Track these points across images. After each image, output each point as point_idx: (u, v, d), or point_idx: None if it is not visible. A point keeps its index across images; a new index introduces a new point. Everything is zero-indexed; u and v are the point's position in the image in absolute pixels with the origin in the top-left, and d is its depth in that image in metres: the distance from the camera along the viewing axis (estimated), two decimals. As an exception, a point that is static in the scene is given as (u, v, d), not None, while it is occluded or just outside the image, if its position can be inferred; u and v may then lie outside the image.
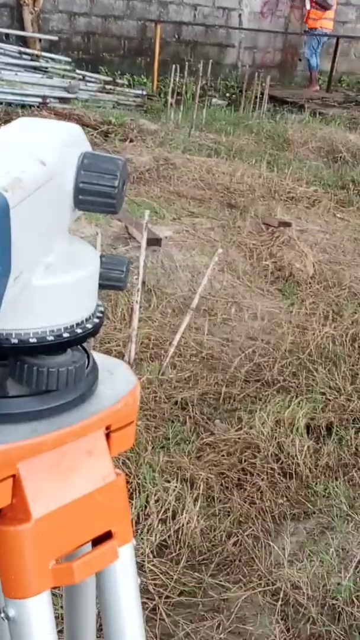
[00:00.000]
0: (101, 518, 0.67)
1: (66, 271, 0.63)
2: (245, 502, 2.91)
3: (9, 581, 0.62)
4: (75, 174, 0.64)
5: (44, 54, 10.19)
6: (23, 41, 10.52)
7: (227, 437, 3.25)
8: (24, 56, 9.79)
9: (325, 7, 12.60)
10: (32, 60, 9.81)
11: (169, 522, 2.70)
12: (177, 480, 2.87)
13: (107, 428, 0.68)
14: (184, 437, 3.22)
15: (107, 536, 0.68)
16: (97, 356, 0.73)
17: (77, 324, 0.64)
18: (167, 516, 2.72)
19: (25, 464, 0.62)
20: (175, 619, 2.37)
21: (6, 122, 7.76)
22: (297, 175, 7.27)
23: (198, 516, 2.75)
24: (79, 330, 0.64)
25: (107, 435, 0.69)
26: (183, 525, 2.70)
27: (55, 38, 11.04)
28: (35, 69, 9.62)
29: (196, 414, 3.41)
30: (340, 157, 8.42)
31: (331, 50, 13.25)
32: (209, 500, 2.89)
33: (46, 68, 9.72)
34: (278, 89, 12.34)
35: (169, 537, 2.66)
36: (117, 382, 0.71)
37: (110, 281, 0.71)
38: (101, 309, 0.68)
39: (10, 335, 0.61)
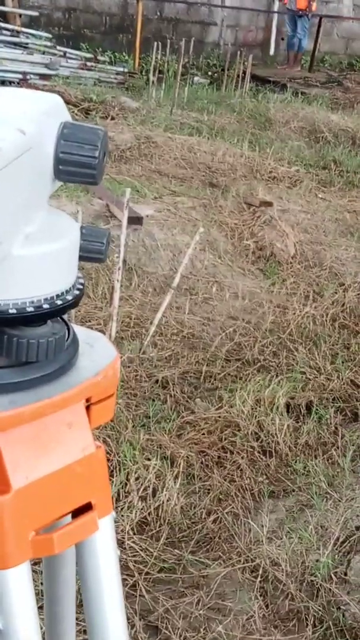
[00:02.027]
0: (81, 490, 0.67)
1: (46, 241, 0.62)
2: (225, 480, 2.93)
3: (-12, 552, 0.62)
4: (55, 143, 0.63)
5: (24, 29, 10.07)
6: (3, 16, 10.38)
7: (207, 416, 3.26)
8: (4, 32, 9.67)
9: None
10: (12, 36, 9.69)
11: (149, 500, 2.72)
12: (157, 458, 2.88)
13: (87, 400, 0.68)
14: (164, 415, 3.23)
15: (87, 508, 0.68)
16: (78, 329, 0.72)
17: (57, 296, 0.64)
18: (147, 494, 2.73)
19: (4, 435, 0.62)
20: (155, 595, 2.38)
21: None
22: (279, 155, 7.26)
23: (178, 494, 2.77)
24: (59, 302, 0.64)
25: (87, 408, 0.69)
26: (163, 502, 2.72)
27: (35, 13, 10.92)
28: (16, 44, 9.51)
29: (177, 392, 3.42)
30: (322, 137, 8.41)
31: (314, 30, 13.20)
32: (189, 478, 2.90)
33: (26, 44, 9.62)
34: (260, 68, 12.28)
35: (149, 514, 2.68)
36: (97, 354, 0.71)
37: (91, 253, 0.70)
38: (81, 281, 0.68)
39: None
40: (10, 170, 0.56)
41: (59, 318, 0.67)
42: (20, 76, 8.63)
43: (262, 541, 2.62)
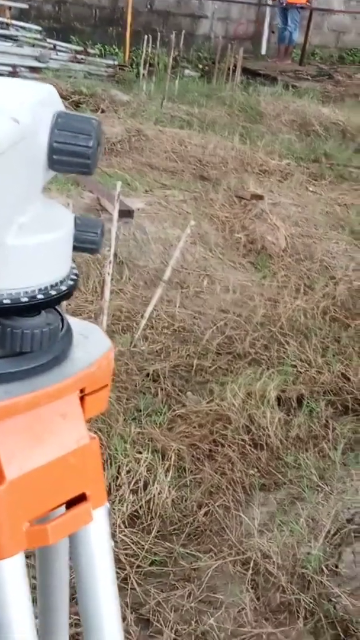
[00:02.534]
0: (75, 481, 0.67)
1: (40, 231, 0.62)
2: (216, 473, 2.93)
3: (-17, 543, 0.62)
4: (49, 133, 0.63)
5: (14, 22, 10.03)
6: (-7, 9, 10.35)
7: (198, 409, 3.26)
8: (-6, 24, 9.65)
9: None
10: (1, 28, 9.66)
11: (140, 493, 2.72)
12: (148, 451, 2.88)
13: (81, 391, 0.68)
14: (155, 408, 3.23)
15: (81, 499, 0.68)
16: (72, 320, 0.72)
17: (52, 286, 0.63)
18: (138, 487, 2.73)
19: (-1, 426, 0.61)
20: (147, 588, 2.38)
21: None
22: (270, 148, 7.26)
23: (169, 487, 2.77)
24: (53, 292, 0.63)
25: (81, 399, 0.69)
26: (154, 495, 2.72)
27: (25, 6, 10.87)
28: (5, 37, 9.47)
29: (168, 386, 3.42)
30: (313, 130, 8.42)
31: (304, 24, 13.19)
32: (180, 471, 2.91)
33: (16, 37, 9.58)
34: (251, 61, 12.27)
35: (140, 507, 2.68)
36: (91, 345, 0.70)
37: (85, 243, 0.70)
38: (75, 271, 0.68)
39: None
40: (4, 160, 0.56)
41: (53, 309, 0.67)
42: (10, 69, 8.60)
43: (253, 534, 2.62)
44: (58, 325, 0.66)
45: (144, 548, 2.53)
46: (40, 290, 0.62)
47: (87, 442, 0.68)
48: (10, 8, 10.56)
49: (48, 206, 0.67)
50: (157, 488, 2.73)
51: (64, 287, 0.65)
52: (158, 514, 2.68)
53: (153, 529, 2.62)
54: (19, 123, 0.59)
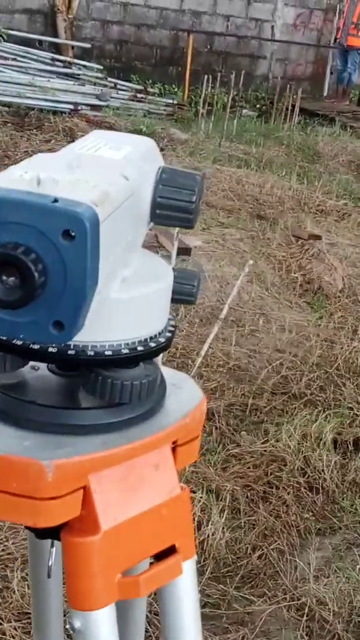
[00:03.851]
0: (166, 532, 0.67)
1: (142, 285, 0.63)
2: (270, 516, 2.90)
3: (77, 593, 0.62)
4: (154, 188, 0.64)
5: (76, 61, 10.24)
6: (56, 48, 10.58)
7: (253, 449, 3.24)
8: (57, 63, 9.85)
9: None
10: (64, 67, 9.86)
11: (194, 533, 2.69)
12: (202, 491, 2.87)
13: (173, 442, 0.68)
14: (210, 447, 3.22)
15: (170, 551, 0.68)
16: (163, 370, 0.73)
17: (151, 338, 0.64)
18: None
19: (96, 476, 0.62)
20: (200, 631, 2.35)
21: (37, 127, 7.82)
22: (327, 188, 7.26)
23: (223, 528, 2.75)
24: (152, 344, 0.64)
25: (173, 449, 0.69)
26: (208, 536, 2.70)
27: (88, 45, 11.09)
28: (68, 75, 9.67)
29: (222, 424, 3.40)
30: (371, 171, 8.41)
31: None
32: (234, 512, 2.88)
33: (78, 75, 9.77)
34: (309, 102, 12.32)
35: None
36: (184, 396, 0.71)
37: (182, 295, 0.71)
38: (172, 322, 0.69)
39: (87, 347, 0.61)
40: (116, 216, 0.57)
41: (150, 360, 0.68)
42: (71, 106, 8.76)
43: (308, 579, 2.58)
44: (156, 377, 0.66)
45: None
46: (140, 342, 0.63)
47: (178, 493, 0.68)
48: (73, 47, 10.80)
49: (148, 258, 0.68)
50: (211, 529, 2.71)
51: (162, 339, 0.66)
52: (212, 555, 2.66)
53: (206, 570, 2.60)
54: (129, 179, 0.60)
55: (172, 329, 0.68)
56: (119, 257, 0.61)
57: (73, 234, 0.52)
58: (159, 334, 0.65)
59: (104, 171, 0.60)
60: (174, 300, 0.69)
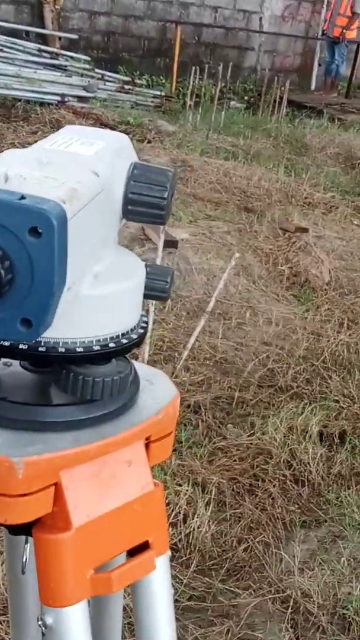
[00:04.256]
0: (139, 528, 0.68)
1: (114, 281, 0.63)
2: (256, 508, 2.91)
3: (48, 589, 0.62)
4: (125, 184, 0.64)
5: (63, 52, 10.20)
6: (43, 39, 10.53)
7: (239, 442, 3.24)
8: (44, 54, 9.80)
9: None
10: (51, 58, 9.82)
11: (180, 526, 2.70)
12: (188, 484, 2.87)
13: (146, 438, 0.68)
14: (196, 440, 3.22)
15: (143, 547, 0.68)
16: (137, 365, 0.73)
17: (123, 334, 0.64)
18: (178, 520, 2.72)
19: (67, 472, 0.62)
20: (184, 624, 2.36)
21: (24, 119, 7.79)
22: (315, 181, 7.26)
23: (209, 521, 2.75)
24: (124, 341, 0.64)
25: (147, 445, 0.69)
26: (194, 529, 2.70)
27: (75, 37, 11.04)
28: (55, 67, 9.62)
29: (209, 417, 3.41)
30: (358, 163, 8.40)
31: (350, 57, 13.23)
32: (220, 505, 2.89)
33: (65, 66, 9.73)
34: (297, 94, 12.31)
35: (179, 540, 2.66)
36: (157, 392, 0.71)
37: (154, 291, 0.71)
38: (145, 319, 0.69)
39: (58, 344, 0.61)
40: (85, 212, 0.57)
41: (123, 356, 0.68)
42: (58, 98, 8.73)
43: (293, 572, 2.59)
44: (128, 373, 0.66)
45: (182, 582, 2.51)
46: (112, 338, 0.63)
47: (151, 489, 0.68)
48: (60, 38, 10.75)
49: (121, 254, 0.68)
50: (197, 522, 2.72)
51: (134, 336, 0.65)
52: (197, 548, 2.66)
53: (192, 563, 2.61)
54: (99, 176, 0.60)
55: (145, 325, 0.68)
56: (89, 254, 0.61)
57: (40, 231, 0.52)
58: (131, 330, 0.65)
59: (74, 167, 0.60)
60: (146, 296, 0.69)
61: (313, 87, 13.70)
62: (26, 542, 0.71)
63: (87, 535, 0.63)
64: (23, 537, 0.72)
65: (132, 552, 0.68)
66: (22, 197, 0.52)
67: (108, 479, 0.65)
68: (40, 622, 0.63)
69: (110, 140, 0.67)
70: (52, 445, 0.61)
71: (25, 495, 0.60)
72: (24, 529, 0.65)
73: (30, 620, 0.82)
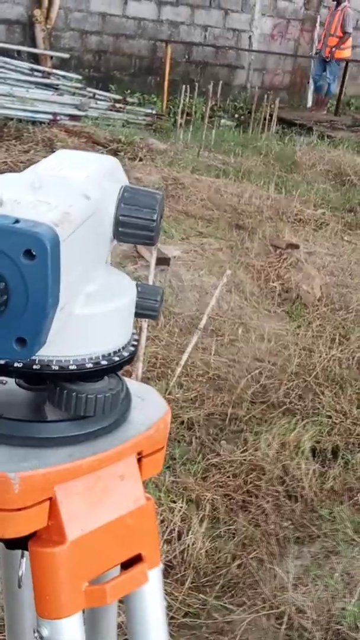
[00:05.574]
0: (132, 541, 0.69)
1: (105, 300, 0.65)
2: (250, 525, 2.91)
3: (44, 602, 0.64)
4: (116, 207, 0.66)
5: (55, 71, 10.26)
6: (34, 58, 10.60)
7: (232, 459, 3.25)
8: (35, 73, 9.87)
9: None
10: (43, 77, 9.88)
11: (174, 543, 2.71)
12: (182, 500, 2.88)
13: (138, 453, 0.70)
14: (190, 457, 3.23)
15: (136, 559, 0.69)
16: (129, 382, 0.74)
17: (115, 352, 0.66)
18: (172, 537, 2.72)
19: (62, 487, 0.64)
20: (180, 641, 2.37)
21: (16, 138, 7.82)
22: (305, 198, 7.31)
23: (203, 537, 2.75)
24: (116, 358, 0.66)
25: (139, 460, 0.71)
26: (188, 546, 2.71)
27: (66, 56, 11.12)
28: (46, 85, 9.69)
29: (202, 434, 3.42)
30: (348, 180, 8.46)
31: (340, 74, 13.35)
32: (214, 521, 2.89)
33: (57, 85, 9.79)
34: (286, 111, 12.41)
35: (174, 557, 2.67)
36: (148, 408, 0.73)
37: (145, 310, 0.73)
38: (136, 337, 0.70)
39: (51, 362, 0.63)
40: (77, 235, 0.59)
41: (114, 373, 0.70)
42: (50, 117, 8.78)
43: (287, 588, 2.60)
44: (120, 390, 0.68)
45: (177, 599, 2.51)
46: (104, 356, 0.65)
47: (143, 503, 0.70)
48: (51, 57, 10.82)
49: (111, 274, 0.70)
50: (191, 538, 2.72)
51: (126, 353, 0.67)
52: (192, 564, 2.67)
53: (187, 579, 2.61)
54: (90, 199, 0.62)
55: (135, 342, 0.70)
56: (82, 274, 0.63)
57: (34, 253, 0.54)
58: (123, 348, 0.67)
59: (66, 191, 0.62)
60: (137, 315, 0.71)
61: (309, 104, 13.81)
62: (22, 556, 0.73)
63: (82, 549, 0.64)
64: (19, 551, 0.73)
65: (126, 565, 0.69)
66: (17, 221, 0.54)
67: (101, 493, 0.67)
68: (36, 634, 0.64)
69: (100, 164, 0.70)
70: (47, 461, 0.63)
71: (21, 509, 0.62)
72: (20, 543, 0.66)
73: (27, 632, 0.83)
